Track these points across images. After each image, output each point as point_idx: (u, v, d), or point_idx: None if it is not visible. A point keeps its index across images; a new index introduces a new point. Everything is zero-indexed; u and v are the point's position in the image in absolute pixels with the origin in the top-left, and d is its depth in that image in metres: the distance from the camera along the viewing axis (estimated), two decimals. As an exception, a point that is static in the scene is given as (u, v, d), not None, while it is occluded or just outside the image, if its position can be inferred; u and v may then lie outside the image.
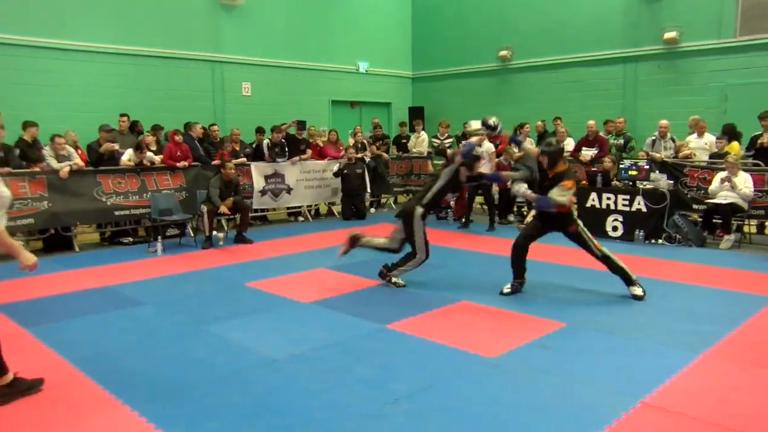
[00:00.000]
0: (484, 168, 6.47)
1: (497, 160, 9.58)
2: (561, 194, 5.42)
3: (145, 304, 5.70)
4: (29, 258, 3.52)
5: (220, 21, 12.68)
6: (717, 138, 9.42)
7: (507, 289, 5.80)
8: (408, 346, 4.48)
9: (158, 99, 11.61)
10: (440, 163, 10.90)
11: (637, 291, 5.60)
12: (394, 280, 6.18)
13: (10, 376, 3.64)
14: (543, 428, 3.20)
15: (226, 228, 9.88)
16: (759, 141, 8.95)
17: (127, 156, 9.14)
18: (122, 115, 10.04)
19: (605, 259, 5.68)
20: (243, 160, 10.35)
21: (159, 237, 8.46)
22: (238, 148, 10.51)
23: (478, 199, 10.85)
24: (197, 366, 4.13)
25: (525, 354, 4.28)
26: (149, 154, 9.35)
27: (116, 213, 8.95)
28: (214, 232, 8.87)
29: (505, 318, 5.04)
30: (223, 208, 8.71)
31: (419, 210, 6.03)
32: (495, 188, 10.21)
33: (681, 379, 3.79)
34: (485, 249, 8.21)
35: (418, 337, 4.65)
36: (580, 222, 5.78)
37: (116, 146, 9.23)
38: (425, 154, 12.49)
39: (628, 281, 5.67)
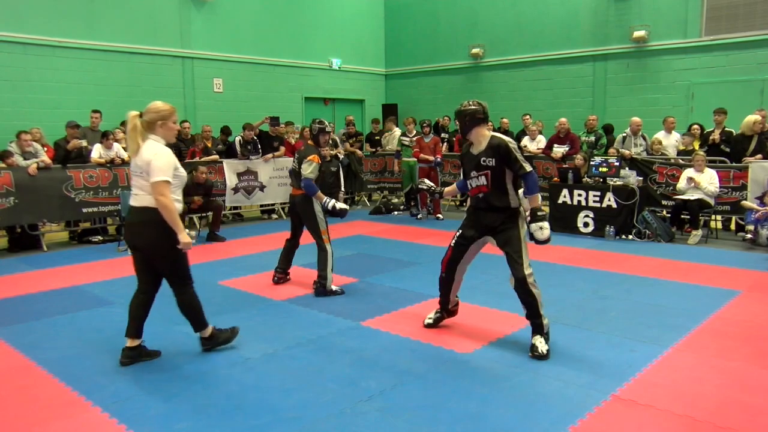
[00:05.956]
0: None
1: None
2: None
3: (114, 303, 5.60)
4: (187, 238, 3.98)
5: (190, 16, 12.52)
6: (682, 136, 9.63)
7: None
8: (382, 343, 4.48)
9: (127, 95, 11.42)
10: (410, 160, 10.95)
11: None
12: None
13: (138, 341, 4.13)
14: (516, 423, 3.23)
15: (198, 226, 9.77)
16: (711, 137, 9.15)
17: (96, 152, 8.97)
18: (94, 112, 9.82)
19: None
20: (215, 157, 10.25)
21: (129, 235, 8.32)
22: (209, 145, 10.40)
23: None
24: (168, 366, 4.07)
25: (498, 349, 4.31)
26: (116, 145, 9.18)
27: (84, 210, 8.79)
28: (186, 231, 8.76)
29: (479, 314, 5.07)
30: (196, 199, 8.68)
31: None
32: None
33: (650, 373, 3.86)
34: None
35: (392, 333, 4.66)
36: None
37: (84, 143, 9.05)
38: (394, 152, 12.48)
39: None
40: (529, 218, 4.26)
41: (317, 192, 5.67)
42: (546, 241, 4.25)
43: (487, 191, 4.27)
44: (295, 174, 5.88)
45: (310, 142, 5.99)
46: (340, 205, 5.82)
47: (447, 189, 5.04)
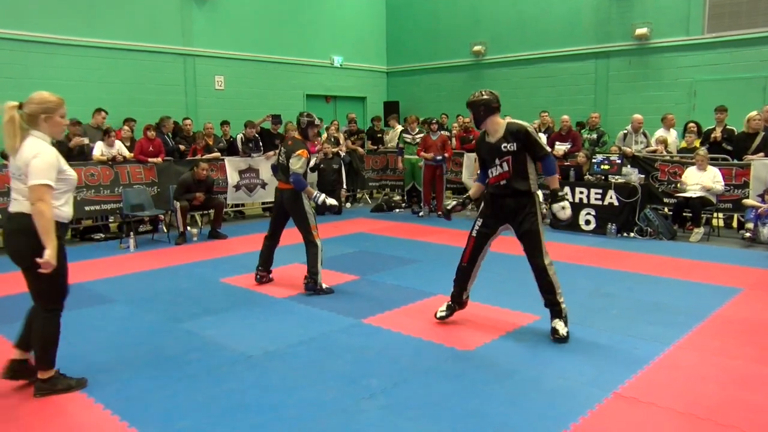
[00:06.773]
0: None
1: None
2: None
3: (117, 301, 5.62)
4: (53, 257, 3.30)
5: (192, 14, 12.50)
6: (687, 134, 9.62)
7: None
8: (383, 340, 4.48)
9: (129, 93, 11.41)
10: (412, 157, 10.94)
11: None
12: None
13: (53, 371, 3.62)
14: (518, 420, 3.23)
15: (200, 224, 9.77)
16: (712, 135, 9.12)
17: (98, 150, 8.98)
18: (98, 110, 9.80)
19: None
20: (217, 154, 10.25)
21: (131, 233, 8.34)
22: (211, 143, 10.40)
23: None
24: (170, 363, 4.08)
25: (500, 347, 4.31)
26: (118, 143, 9.19)
27: (86, 208, 8.80)
28: (188, 228, 8.78)
29: (480, 311, 5.07)
30: (198, 196, 8.69)
31: None
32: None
33: (652, 370, 3.86)
34: (458, 242, 8.23)
35: (393, 331, 4.66)
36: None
37: (86, 140, 9.05)
38: (396, 148, 12.43)
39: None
40: (550, 199, 4.44)
41: (306, 187, 5.64)
42: (568, 220, 4.47)
43: (509, 176, 4.34)
44: (282, 169, 5.76)
45: (297, 135, 5.86)
46: (330, 200, 5.79)
47: (472, 192, 4.91)
